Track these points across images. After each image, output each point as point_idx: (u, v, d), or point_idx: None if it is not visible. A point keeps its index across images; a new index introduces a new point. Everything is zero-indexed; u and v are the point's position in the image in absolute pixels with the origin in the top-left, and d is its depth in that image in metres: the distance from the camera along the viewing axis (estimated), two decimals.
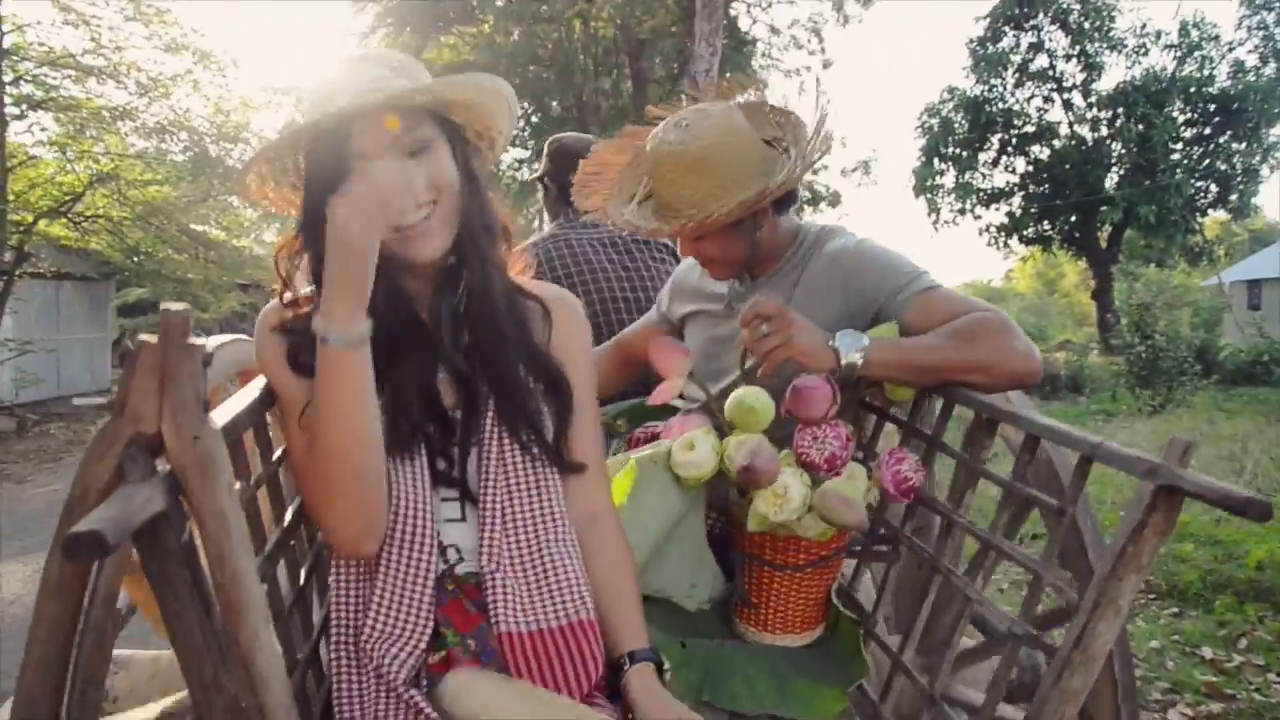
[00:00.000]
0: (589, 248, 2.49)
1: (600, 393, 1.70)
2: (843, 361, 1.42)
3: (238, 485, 0.95)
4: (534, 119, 22.02)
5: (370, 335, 1.08)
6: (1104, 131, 22.66)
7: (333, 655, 1.18)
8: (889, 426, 1.64)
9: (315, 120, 1.12)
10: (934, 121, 23.87)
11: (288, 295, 1.20)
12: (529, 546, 1.18)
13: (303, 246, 1.20)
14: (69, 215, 13.89)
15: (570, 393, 1.25)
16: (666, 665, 1.27)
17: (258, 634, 0.89)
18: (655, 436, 1.72)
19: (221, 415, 1.01)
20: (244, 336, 1.67)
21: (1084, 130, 23.17)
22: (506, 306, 1.24)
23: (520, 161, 22.14)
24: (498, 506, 1.18)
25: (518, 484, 1.19)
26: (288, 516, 1.23)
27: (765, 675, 1.47)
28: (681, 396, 1.68)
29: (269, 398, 1.18)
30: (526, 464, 1.20)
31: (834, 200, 23.54)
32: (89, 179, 14.02)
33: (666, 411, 1.78)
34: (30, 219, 13.24)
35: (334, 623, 1.18)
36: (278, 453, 1.24)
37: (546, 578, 1.18)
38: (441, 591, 1.18)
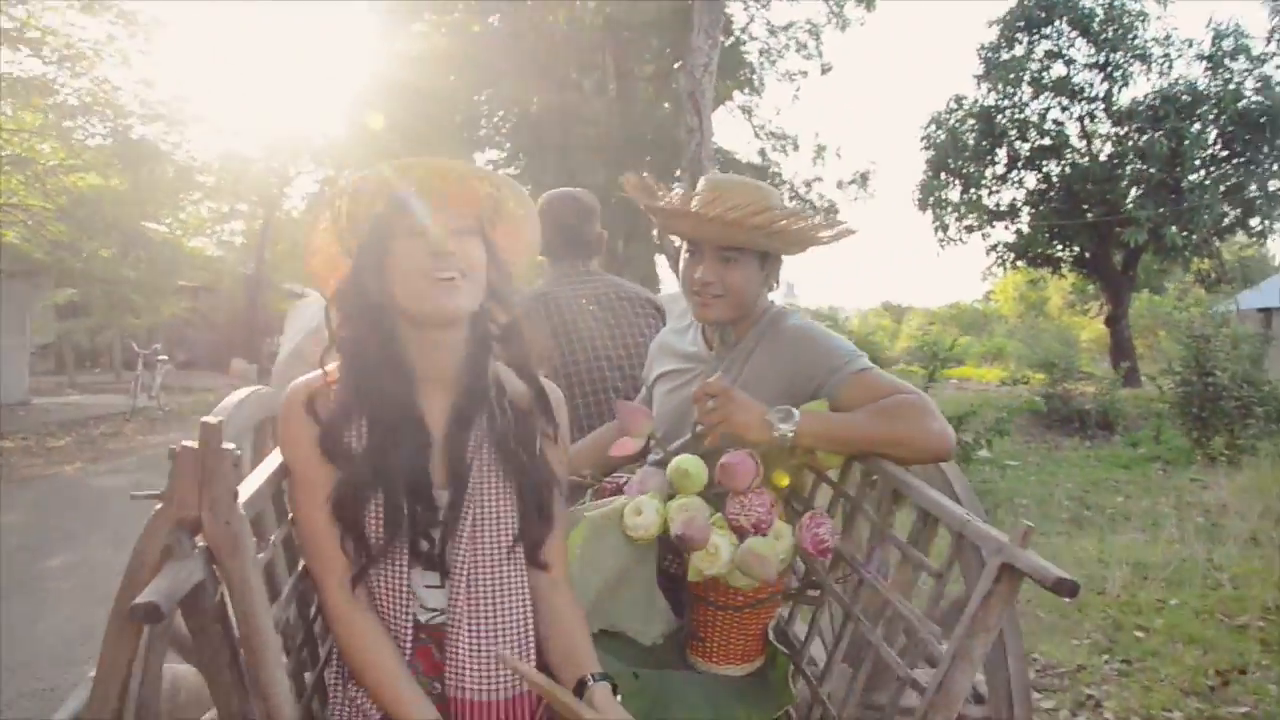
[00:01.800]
0: (575, 306, 2.67)
1: (604, 470, 1.95)
2: (775, 434, 1.64)
3: (260, 555, 1.18)
4: (511, 117, 20.92)
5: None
6: (1127, 146, 20.99)
7: (332, 683, 1.43)
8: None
9: (395, 169, 1.40)
10: (940, 133, 22.50)
11: (317, 370, 1.42)
12: (488, 621, 1.38)
13: (340, 317, 1.42)
14: None
15: (553, 502, 1.48)
16: (618, 694, 1.49)
17: (273, 675, 1.14)
18: (620, 489, 1.95)
19: (245, 491, 1.23)
20: (260, 388, 1.89)
21: (1102, 145, 21.79)
22: (525, 405, 1.48)
23: (493, 163, 21.04)
24: (464, 585, 1.38)
25: (487, 567, 1.40)
26: (299, 564, 1.46)
27: (706, 703, 1.70)
28: (647, 450, 1.90)
29: (283, 471, 1.42)
30: (500, 550, 1.41)
31: (829, 214, 21.80)
32: None
33: (633, 462, 1.99)
34: None
35: (335, 658, 1.43)
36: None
37: (504, 649, 1.38)
38: (417, 638, 1.40)
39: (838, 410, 1.74)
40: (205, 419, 1.10)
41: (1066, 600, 4.33)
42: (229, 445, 1.11)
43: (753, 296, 1.91)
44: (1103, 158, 21.44)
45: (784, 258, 1.96)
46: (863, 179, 23.07)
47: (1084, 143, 21.99)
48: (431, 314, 1.39)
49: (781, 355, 1.85)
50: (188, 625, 1.12)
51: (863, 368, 1.77)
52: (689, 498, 1.69)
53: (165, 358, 15.15)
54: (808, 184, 22.24)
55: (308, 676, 1.47)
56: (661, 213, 1.90)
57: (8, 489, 8.24)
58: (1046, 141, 21.88)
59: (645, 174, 1.91)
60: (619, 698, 1.45)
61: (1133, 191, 20.61)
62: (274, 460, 1.43)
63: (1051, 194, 22.15)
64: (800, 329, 1.88)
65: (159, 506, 1.10)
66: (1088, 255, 22.08)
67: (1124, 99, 21.31)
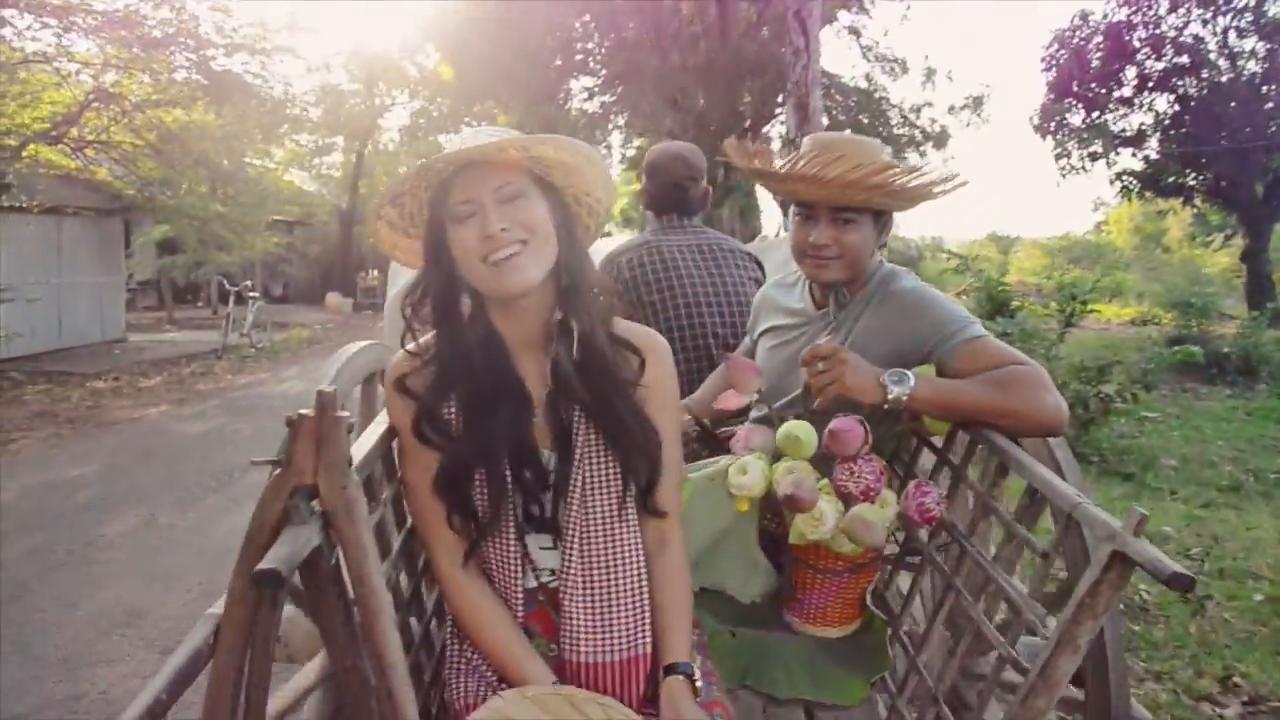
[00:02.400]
0: (678, 254, 2.73)
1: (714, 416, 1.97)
2: (889, 397, 1.64)
3: (371, 516, 1.26)
4: (607, 41, 19.46)
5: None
6: (1277, 62, 19.50)
7: (448, 638, 1.51)
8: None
9: (422, 164, 1.41)
10: (1064, 53, 21.25)
11: (410, 344, 1.47)
12: (602, 583, 1.42)
13: (423, 293, 1.46)
14: (65, 140, 12.06)
15: (660, 447, 1.46)
16: (694, 673, 1.45)
17: (386, 633, 1.21)
18: (726, 441, 2.00)
19: (357, 453, 1.31)
20: (374, 342, 1.98)
21: (1247, 62, 20.16)
22: (613, 358, 1.46)
23: (588, 90, 20.50)
24: (576, 546, 1.41)
25: (597, 526, 1.42)
26: (408, 522, 1.55)
27: (802, 664, 1.75)
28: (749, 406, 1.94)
29: (392, 433, 1.49)
30: (610, 509, 1.43)
31: (940, 140, 20.86)
32: (85, 95, 12.11)
33: (737, 416, 2.03)
34: (14, 142, 11.30)
35: (446, 614, 1.51)
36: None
37: (613, 614, 1.41)
38: (532, 601, 1.46)
39: (948, 377, 1.72)
40: (321, 387, 1.16)
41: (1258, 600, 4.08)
42: (343, 413, 1.18)
43: (867, 256, 1.89)
44: (1247, 76, 20.03)
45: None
46: (976, 103, 21.62)
47: (1227, 60, 20.47)
48: (498, 294, 1.41)
49: (892, 318, 1.84)
50: (304, 585, 1.20)
51: (976, 335, 1.74)
52: (796, 461, 1.72)
53: (257, 294, 15.12)
54: (916, 109, 21.38)
55: (415, 626, 1.56)
56: (773, 178, 1.88)
57: (93, 434, 8.25)
58: (1184, 59, 20.43)
59: (746, 139, 1.91)
60: (698, 684, 1.43)
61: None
62: (383, 420, 1.50)
63: (1187, 116, 20.73)
64: (913, 291, 1.86)
65: (277, 472, 1.18)
66: (1223, 184, 20.73)
67: (1276, 10, 19.67)
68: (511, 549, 1.43)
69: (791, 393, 1.91)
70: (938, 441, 1.81)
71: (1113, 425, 7.42)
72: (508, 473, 1.42)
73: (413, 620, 1.57)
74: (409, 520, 1.55)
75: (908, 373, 1.66)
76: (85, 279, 14.23)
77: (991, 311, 9.20)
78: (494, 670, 1.42)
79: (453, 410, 1.44)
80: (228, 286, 14.75)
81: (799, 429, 1.72)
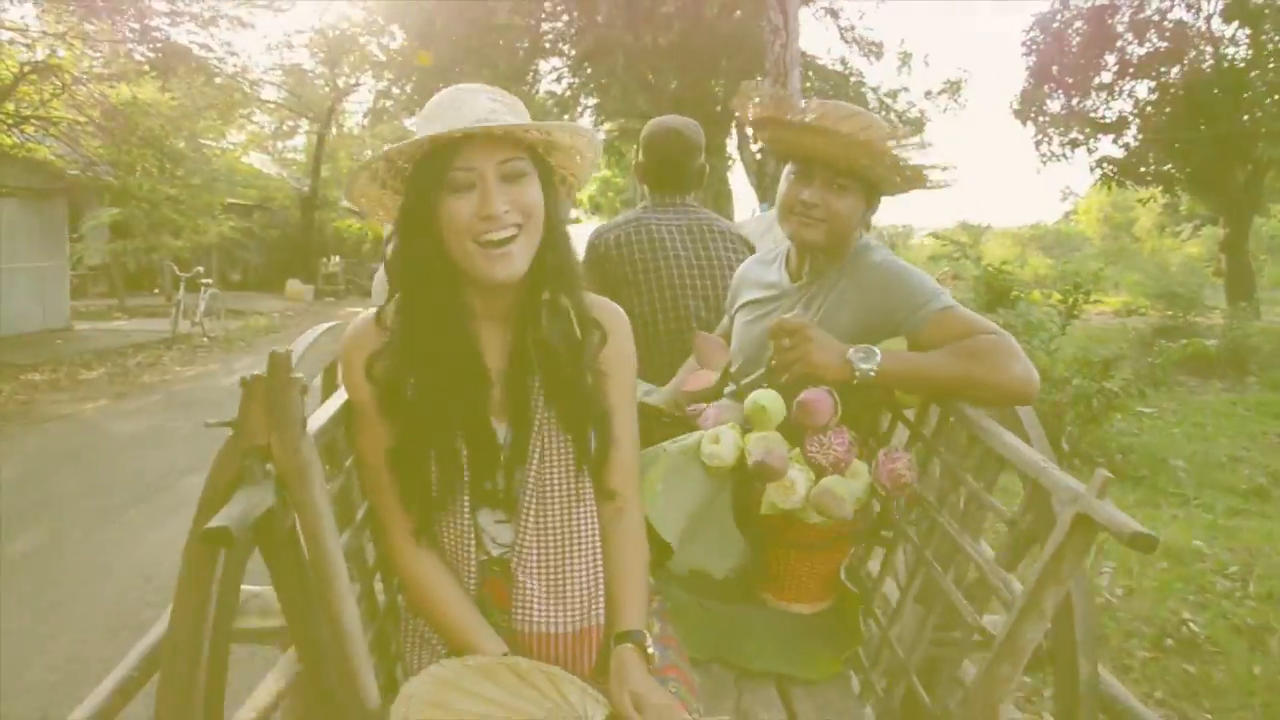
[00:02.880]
0: (666, 234, 2.73)
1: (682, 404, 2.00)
2: (856, 373, 1.65)
3: (333, 483, 1.27)
4: (576, 21, 19.34)
5: None
6: (1265, 50, 19.06)
7: (402, 611, 1.52)
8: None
9: (437, 135, 1.34)
10: (1045, 37, 20.80)
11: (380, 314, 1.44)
12: (556, 555, 1.41)
13: (395, 250, 1.42)
14: None
15: (610, 427, 1.46)
16: (651, 635, 1.46)
17: (343, 599, 1.21)
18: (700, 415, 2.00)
19: (314, 422, 1.31)
20: (339, 323, 1.98)
21: (1232, 49, 19.73)
22: (575, 338, 1.44)
23: (556, 70, 20.65)
24: (531, 520, 1.41)
25: (552, 500, 1.42)
26: None
27: (774, 639, 1.76)
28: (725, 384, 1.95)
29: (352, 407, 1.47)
30: (564, 482, 1.43)
31: (917, 126, 20.27)
32: (20, 67, 11.34)
33: (710, 397, 2.05)
34: None
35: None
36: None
37: (567, 585, 1.41)
38: (486, 572, 1.46)
39: (918, 349, 1.73)
40: (274, 349, 1.17)
41: None
42: (297, 375, 1.18)
43: (852, 229, 1.89)
44: (1229, 62, 19.68)
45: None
46: (953, 88, 21.84)
47: (1209, 46, 20.13)
48: (483, 280, 1.38)
49: (863, 290, 1.84)
50: (260, 550, 1.21)
51: (945, 305, 1.75)
52: (768, 430, 1.73)
53: (210, 280, 14.60)
54: (893, 94, 21.46)
55: (381, 599, 1.56)
56: (784, 125, 1.85)
57: (17, 433, 7.61)
58: (1166, 44, 20.04)
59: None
60: (651, 651, 1.43)
61: (1268, 100, 18.75)
62: (340, 397, 1.49)
63: (1168, 104, 20.41)
64: (884, 264, 1.86)
65: (230, 435, 1.19)
66: (1204, 172, 20.41)
67: None
68: (465, 524, 1.42)
69: (763, 366, 1.92)
70: (912, 415, 1.84)
71: (1113, 423, 7.13)
72: (462, 449, 1.41)
73: (380, 599, 1.56)
74: None
75: (874, 348, 1.67)
76: (24, 264, 13.72)
77: (991, 301, 8.81)
78: (444, 642, 1.42)
79: (410, 388, 1.40)
80: (178, 273, 14.23)
81: (765, 398, 1.73)
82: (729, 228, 2.88)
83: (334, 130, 24.61)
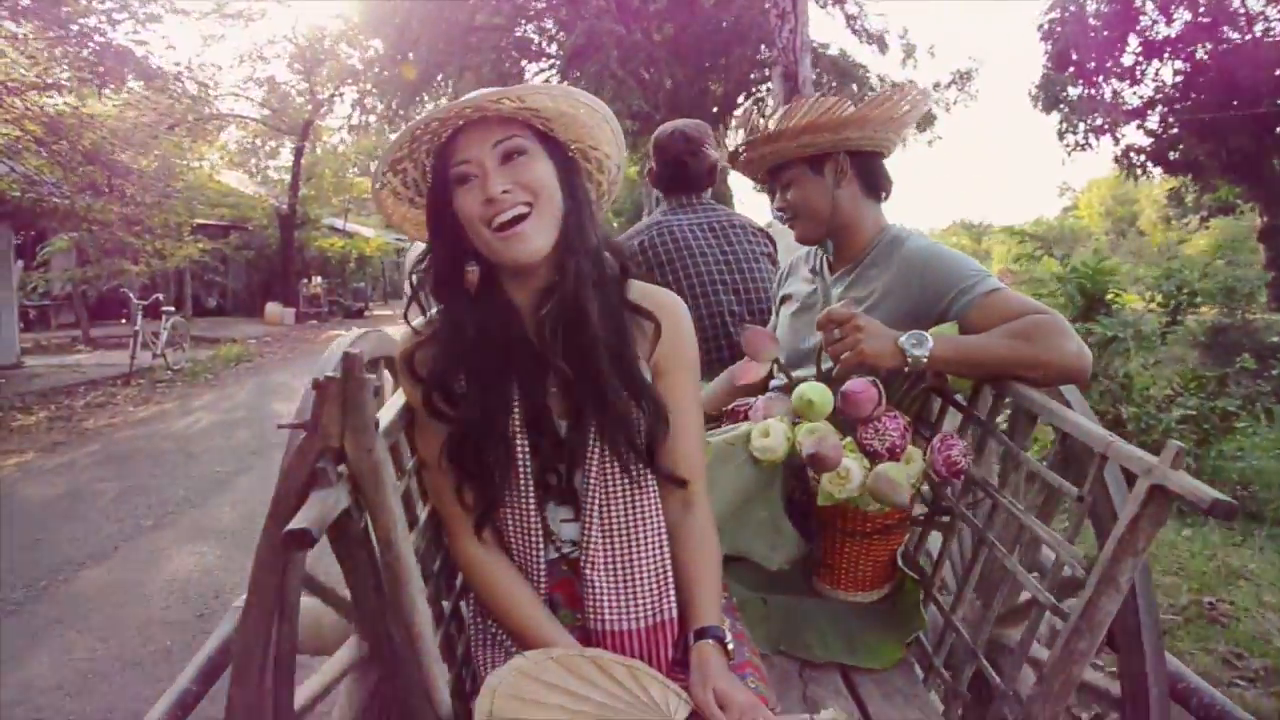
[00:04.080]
0: (689, 233, 2.85)
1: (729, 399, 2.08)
2: (909, 359, 1.71)
3: (398, 482, 1.35)
4: (562, 16, 19.49)
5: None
6: None
7: (471, 613, 1.56)
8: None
9: (413, 124, 1.44)
10: (1065, 19, 20.62)
11: (417, 319, 1.52)
12: (623, 551, 1.47)
13: (429, 264, 1.51)
14: None
15: (661, 408, 1.48)
16: (727, 631, 1.51)
17: (414, 600, 1.26)
18: (745, 414, 2.07)
19: (382, 420, 1.39)
20: (372, 330, 2.07)
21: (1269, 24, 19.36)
22: (602, 318, 1.47)
23: (543, 72, 20.45)
24: (596, 516, 1.46)
25: (616, 494, 1.47)
26: None
27: (835, 629, 1.82)
28: (770, 376, 2.05)
29: (410, 409, 1.54)
30: (624, 475, 1.47)
31: (925, 122, 20.53)
32: None
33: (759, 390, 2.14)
34: None
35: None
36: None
37: (636, 581, 1.46)
38: (556, 572, 1.51)
39: (967, 332, 1.78)
40: (347, 349, 1.25)
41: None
42: (369, 375, 1.26)
43: (821, 205, 2.02)
44: (1262, 38, 19.25)
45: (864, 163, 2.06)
46: (963, 78, 21.66)
47: (1242, 21, 19.70)
48: (507, 263, 1.45)
49: (906, 277, 1.90)
50: (334, 551, 1.28)
51: (992, 288, 1.80)
52: (818, 422, 1.79)
53: (172, 308, 14.27)
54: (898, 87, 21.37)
55: (445, 604, 1.61)
56: (753, 146, 2.07)
57: None
58: (1197, 20, 19.74)
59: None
60: (731, 646, 1.48)
61: None
62: (401, 396, 1.56)
63: (1198, 84, 20.10)
64: (925, 249, 1.92)
65: (304, 436, 1.27)
66: (1239, 157, 20.11)
67: None
68: (531, 520, 1.47)
69: (810, 358, 1.99)
70: (963, 399, 1.93)
71: (1227, 448, 6.09)
72: (522, 442, 1.46)
73: (444, 603, 1.62)
74: None
75: (925, 334, 1.72)
76: None
77: (1086, 309, 7.22)
78: (516, 642, 1.47)
79: (463, 383, 1.47)
80: (135, 300, 13.58)
81: (812, 391, 1.78)
82: (749, 223, 3.00)
83: (315, 146, 24.43)
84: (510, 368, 1.48)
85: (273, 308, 21.85)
